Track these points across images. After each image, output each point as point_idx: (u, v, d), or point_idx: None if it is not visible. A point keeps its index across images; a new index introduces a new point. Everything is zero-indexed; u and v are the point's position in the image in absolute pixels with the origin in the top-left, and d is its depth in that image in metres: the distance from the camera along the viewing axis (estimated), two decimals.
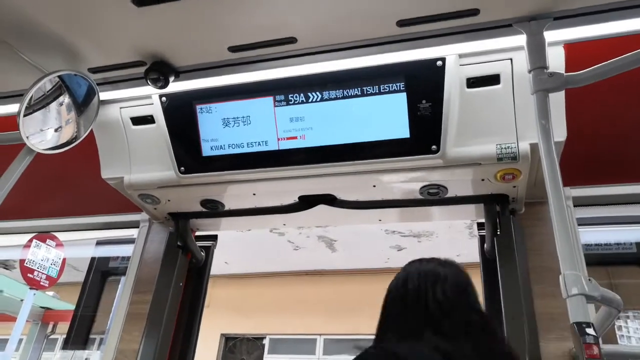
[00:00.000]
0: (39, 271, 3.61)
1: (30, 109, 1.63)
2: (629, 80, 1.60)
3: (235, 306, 8.85)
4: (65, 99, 1.72)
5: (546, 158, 1.30)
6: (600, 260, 2.36)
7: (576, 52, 1.54)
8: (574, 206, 1.94)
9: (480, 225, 2.07)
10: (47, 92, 1.68)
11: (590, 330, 1.07)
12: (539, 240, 1.91)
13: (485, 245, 2.03)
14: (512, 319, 1.74)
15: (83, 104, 1.74)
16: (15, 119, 1.57)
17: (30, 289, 3.69)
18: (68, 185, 2.70)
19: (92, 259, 3.39)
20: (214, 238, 2.51)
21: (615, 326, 2.56)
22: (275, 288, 8.92)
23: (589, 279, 1.16)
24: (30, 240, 3.51)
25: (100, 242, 3.35)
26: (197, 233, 2.45)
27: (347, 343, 8.68)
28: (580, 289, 1.13)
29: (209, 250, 2.48)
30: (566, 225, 1.21)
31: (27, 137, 1.60)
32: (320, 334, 8.83)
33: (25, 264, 3.52)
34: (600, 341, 1.39)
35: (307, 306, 8.71)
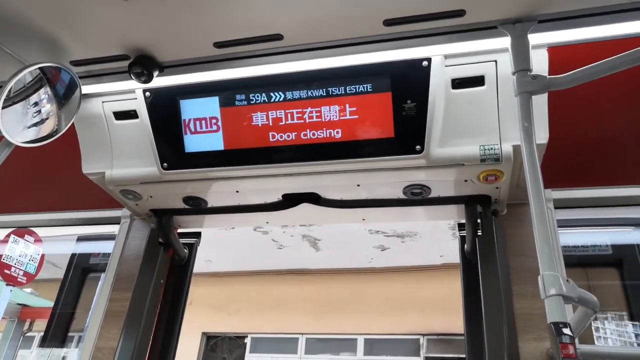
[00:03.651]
0: (16, 267, 3.54)
1: (10, 101, 1.59)
2: (611, 84, 1.63)
3: (217, 305, 8.82)
4: (46, 91, 1.68)
5: (528, 160, 1.31)
6: (577, 261, 2.40)
7: (559, 56, 1.56)
8: (555, 208, 1.97)
9: (461, 226, 2.09)
10: (28, 84, 1.64)
11: (566, 330, 1.08)
12: (520, 241, 1.93)
13: (465, 246, 2.05)
14: (492, 319, 1.76)
15: (64, 97, 1.71)
16: None
17: (7, 285, 3.62)
18: (48, 179, 2.66)
19: (73, 255, 3.34)
20: (197, 235, 2.49)
21: (593, 327, 2.61)
22: (258, 287, 8.90)
23: (567, 280, 1.18)
24: (8, 236, 3.45)
25: (81, 238, 3.30)
26: (180, 230, 2.43)
27: (329, 342, 8.69)
28: (558, 290, 1.14)
29: (192, 248, 2.46)
30: (546, 226, 1.23)
31: (6, 130, 1.56)
32: (302, 333, 8.83)
33: (2, 260, 3.45)
34: (577, 341, 1.41)
35: (289, 305, 8.71)
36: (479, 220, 1.94)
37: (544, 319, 1.14)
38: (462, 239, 2.10)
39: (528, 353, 1.74)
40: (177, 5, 1.40)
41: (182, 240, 2.40)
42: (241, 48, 1.57)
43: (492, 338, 1.74)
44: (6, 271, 3.55)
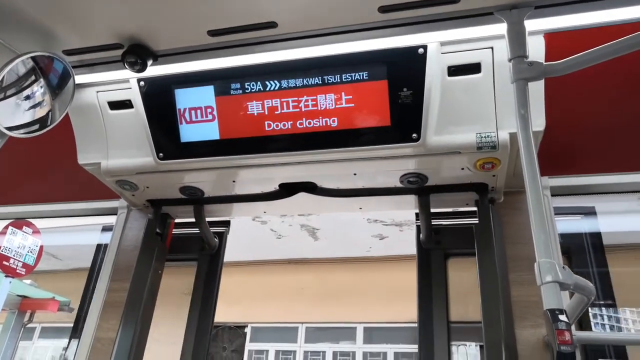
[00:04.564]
0: (15, 259, 3.53)
1: (2, 91, 1.58)
2: (608, 71, 1.62)
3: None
4: (40, 81, 1.67)
5: (524, 147, 1.31)
6: None
7: (556, 42, 1.55)
8: (552, 195, 1.97)
9: (417, 216, 2.11)
10: (20, 74, 1.63)
11: (562, 317, 1.08)
12: (517, 229, 1.93)
13: (420, 236, 2.09)
14: (489, 306, 1.77)
15: (58, 87, 1.69)
16: None
17: (6, 276, 3.62)
18: (44, 170, 2.65)
19: (99, 245, 3.33)
20: (226, 224, 2.49)
21: (590, 314, 2.62)
22: (257, 276, 8.92)
23: (563, 267, 1.18)
24: (6, 227, 3.44)
25: (106, 228, 3.27)
26: (209, 219, 2.38)
27: (329, 331, 8.75)
28: (554, 277, 1.14)
29: (222, 237, 2.46)
30: (542, 214, 1.23)
31: None
32: (302, 322, 8.88)
33: (0, 252, 3.44)
34: (573, 327, 1.42)
35: (289, 294, 8.74)
36: (477, 208, 1.95)
37: (541, 306, 1.14)
38: (418, 229, 2.13)
39: (525, 340, 1.75)
40: None
41: (212, 229, 2.38)
42: (235, 36, 1.56)
43: (489, 325, 1.75)
44: (5, 263, 3.54)
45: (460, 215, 2.13)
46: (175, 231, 2.45)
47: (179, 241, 2.44)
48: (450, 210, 2.13)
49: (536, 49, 1.51)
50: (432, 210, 1.99)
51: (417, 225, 2.15)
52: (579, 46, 1.41)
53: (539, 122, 1.60)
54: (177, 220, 2.44)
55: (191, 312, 2.31)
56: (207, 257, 2.41)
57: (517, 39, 1.40)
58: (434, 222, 2.08)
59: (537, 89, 1.57)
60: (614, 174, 2.02)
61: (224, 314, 9.11)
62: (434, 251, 2.15)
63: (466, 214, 2.09)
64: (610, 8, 1.38)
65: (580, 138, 1.92)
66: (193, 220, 2.39)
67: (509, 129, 1.63)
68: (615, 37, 1.37)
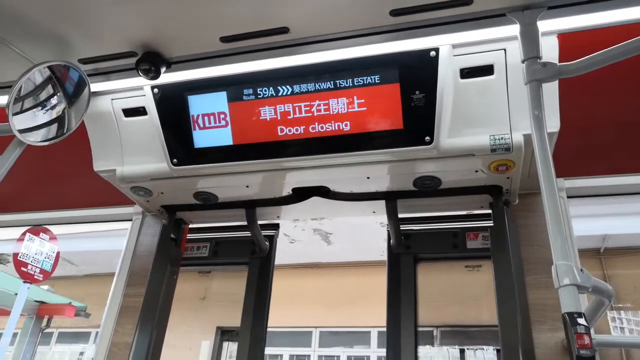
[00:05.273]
0: (32, 265, 3.58)
1: (20, 100, 1.61)
2: (623, 70, 1.59)
3: (230, 299, 8.86)
4: (56, 90, 1.70)
5: (539, 149, 1.29)
6: None
7: (570, 42, 1.53)
8: (568, 197, 1.95)
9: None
10: (37, 83, 1.66)
11: (581, 320, 1.07)
12: (533, 232, 1.91)
13: (391, 241, 2.09)
14: (505, 310, 1.75)
15: (74, 95, 1.72)
16: (4, 111, 1.55)
17: (24, 282, 3.67)
18: (60, 177, 2.69)
19: None
20: (276, 227, 2.49)
21: (609, 317, 2.58)
22: None
23: (581, 270, 1.16)
24: (24, 234, 3.49)
25: None
26: (260, 222, 2.36)
27: (343, 335, 8.71)
28: (572, 280, 1.13)
29: (272, 240, 2.46)
30: (559, 216, 1.21)
31: (17, 129, 1.58)
32: (316, 327, 8.86)
33: (18, 258, 3.49)
34: (592, 331, 1.40)
35: (302, 299, 8.73)
36: (491, 211, 1.93)
37: (558, 309, 1.12)
38: (389, 234, 2.13)
39: (542, 344, 1.73)
40: (183, 0, 1.39)
41: (263, 232, 2.39)
42: (247, 42, 1.57)
43: (506, 329, 1.73)
44: (23, 269, 3.59)
45: (433, 220, 2.16)
46: (220, 235, 2.48)
47: (228, 245, 2.48)
48: (429, 215, 2.15)
49: (549, 50, 1.50)
50: (440, 213, 1.98)
51: (387, 230, 2.14)
52: (593, 46, 1.39)
53: (553, 123, 1.58)
54: (221, 225, 2.45)
55: (244, 317, 2.32)
56: (257, 261, 2.41)
57: (530, 40, 1.39)
58: (438, 226, 2.09)
59: (551, 90, 1.56)
60: (634, 174, 1.98)
61: (237, 318, 9.13)
62: (404, 256, 2.16)
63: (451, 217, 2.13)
64: (624, 7, 1.36)
65: (597, 138, 1.89)
66: (237, 224, 2.39)
67: (523, 131, 1.61)
68: (629, 36, 1.35)
